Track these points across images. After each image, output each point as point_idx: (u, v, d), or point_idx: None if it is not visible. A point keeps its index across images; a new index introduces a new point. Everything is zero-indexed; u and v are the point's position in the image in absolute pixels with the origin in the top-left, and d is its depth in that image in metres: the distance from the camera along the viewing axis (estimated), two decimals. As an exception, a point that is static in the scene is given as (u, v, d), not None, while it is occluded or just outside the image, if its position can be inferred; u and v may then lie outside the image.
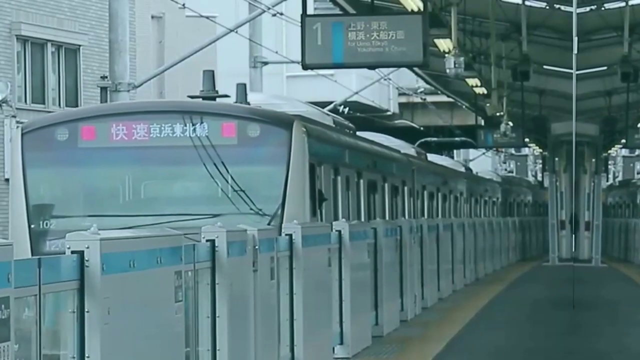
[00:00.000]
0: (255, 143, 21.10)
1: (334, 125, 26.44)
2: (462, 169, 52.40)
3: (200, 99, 22.95)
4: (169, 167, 21.40)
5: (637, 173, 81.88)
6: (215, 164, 20.98)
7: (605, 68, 41.32)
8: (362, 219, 25.75)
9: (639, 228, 53.87)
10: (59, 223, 20.57)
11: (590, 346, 20.54)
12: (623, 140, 56.32)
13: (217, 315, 12.95)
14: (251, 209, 20.80)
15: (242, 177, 21.00)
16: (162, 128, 21.13)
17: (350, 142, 26.60)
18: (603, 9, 34.55)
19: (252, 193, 20.91)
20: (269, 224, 19.18)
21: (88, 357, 9.65)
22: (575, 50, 13.28)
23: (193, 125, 21.11)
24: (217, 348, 12.89)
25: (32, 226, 20.79)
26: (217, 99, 22.93)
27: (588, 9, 33.46)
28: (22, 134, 21.37)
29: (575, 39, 13.35)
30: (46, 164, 21.33)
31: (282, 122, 21.64)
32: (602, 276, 43.40)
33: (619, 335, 23.56)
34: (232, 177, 20.96)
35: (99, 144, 21.16)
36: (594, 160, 56.89)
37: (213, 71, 24.10)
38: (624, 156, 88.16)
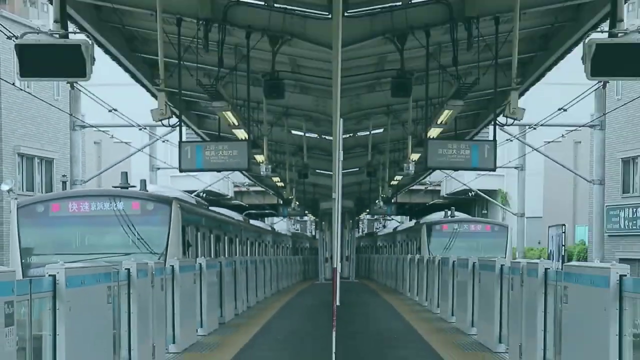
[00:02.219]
0: (151, 213, 21.59)
1: (195, 203, 26.69)
2: (269, 228, 52.34)
3: (120, 188, 23.17)
4: (102, 227, 21.45)
5: (375, 228, 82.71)
6: (128, 225, 21.29)
7: (357, 169, 41.50)
8: (212, 257, 25.86)
9: (375, 259, 54.56)
10: (37, 259, 20.67)
11: (347, 328, 20.51)
12: (367, 210, 56.76)
13: (131, 312, 12.87)
14: (149, 251, 21.02)
15: (143, 233, 21.33)
16: (97, 205, 21.50)
17: (205, 212, 26.90)
18: (358, 135, 34.87)
19: (149, 242, 21.29)
20: (158, 259, 19.29)
21: (58, 334, 9.60)
22: (341, 158, 13.42)
23: (115, 203, 21.51)
24: (131, 330, 12.82)
25: (22, 261, 20.96)
26: (129, 188, 23.29)
27: (348, 135, 33.71)
28: (17, 208, 21.57)
29: (341, 152, 13.48)
30: (31, 225, 21.35)
31: (166, 201, 22.06)
32: (356, 287, 43.55)
33: (367, 322, 23.59)
34: (138, 233, 21.26)
35: (61, 214, 21.40)
36: (351, 221, 57.33)
37: (127, 172, 24.74)
38: (367, 219, 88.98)
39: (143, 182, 24.24)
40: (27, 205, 21.75)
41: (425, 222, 40.08)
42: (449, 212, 41.12)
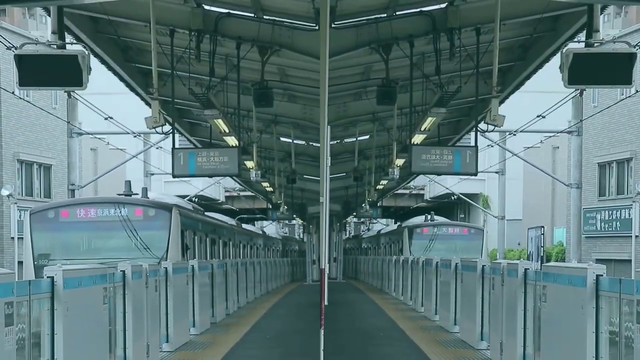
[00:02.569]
0: (152, 219, 22.34)
1: (192, 209, 27.11)
2: (260, 232, 52.23)
3: (124, 196, 24.21)
4: (107, 232, 22.15)
5: (362, 231, 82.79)
6: (131, 230, 22.08)
7: (344, 174, 41.45)
8: (208, 259, 26.19)
9: (361, 261, 54.86)
10: (49, 262, 20.81)
11: (335, 326, 20.54)
12: (354, 213, 56.80)
13: (126, 312, 12.83)
14: (151, 254, 21.72)
15: (145, 237, 22.12)
16: (103, 211, 22.33)
17: (201, 218, 27.44)
18: (344, 141, 34.75)
19: (151, 245, 22.04)
20: (158, 262, 19.39)
21: (56, 334, 9.58)
22: (329, 163, 13.41)
23: (120, 209, 22.34)
24: (126, 330, 12.78)
25: (35, 263, 21.70)
26: (132, 196, 24.40)
27: (335, 141, 33.58)
28: (30, 214, 22.41)
29: (328, 158, 13.52)
30: (43, 230, 22.13)
31: (166, 207, 22.80)
32: (343, 287, 43.72)
33: (352, 320, 23.62)
34: (140, 237, 22.05)
35: (70, 219, 22.21)
36: (338, 224, 57.41)
37: (130, 181, 25.69)
38: (354, 222, 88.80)
39: (144, 190, 25.18)
40: (39, 212, 22.53)
41: (407, 226, 41.37)
42: (429, 216, 42.68)
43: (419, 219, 44.65)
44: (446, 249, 36.45)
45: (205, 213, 30.67)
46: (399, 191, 61.34)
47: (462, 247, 37.54)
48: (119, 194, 24.63)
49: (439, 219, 43.86)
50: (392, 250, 43.05)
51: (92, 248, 22.13)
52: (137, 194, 24.92)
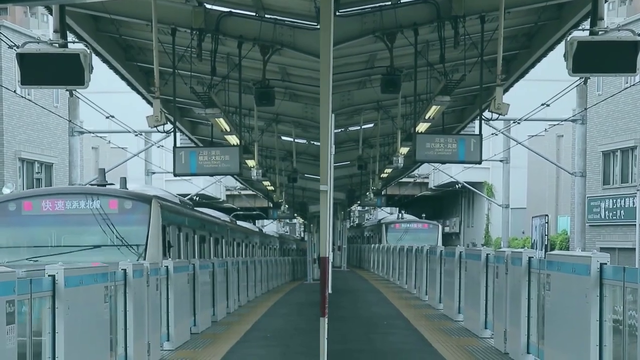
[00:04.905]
0: (129, 212, 19.56)
1: (179, 202, 25.37)
2: (256, 230, 52.01)
3: (96, 186, 21.49)
4: (77, 227, 19.45)
5: (366, 219, 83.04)
6: (106, 225, 19.34)
7: (348, 162, 41.33)
8: (195, 258, 24.59)
9: (366, 249, 56.43)
10: (8, 259, 18.51)
11: (338, 313, 20.54)
12: (359, 202, 56.86)
13: (127, 310, 12.78)
14: (128, 251, 19.11)
15: (122, 233, 19.34)
16: (73, 203, 19.47)
17: (188, 212, 25.37)
18: (348, 130, 34.60)
19: (128, 242, 19.33)
20: (137, 260, 16.84)
21: (57, 332, 9.54)
22: (333, 151, 13.34)
23: (92, 201, 19.46)
24: (127, 328, 12.72)
25: None
26: (107, 186, 21.60)
27: (339, 130, 33.39)
28: None
29: (333, 147, 13.45)
30: (3, 225, 19.48)
31: (145, 199, 20.17)
32: (347, 275, 44.11)
33: (355, 308, 23.73)
34: (116, 232, 19.33)
35: (34, 212, 19.41)
36: (342, 212, 57.48)
37: (104, 169, 23.39)
38: (359, 210, 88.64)
39: (123, 180, 22.30)
40: None
41: (384, 222, 57.67)
42: (401, 215, 59.16)
43: (393, 217, 61.48)
44: (412, 239, 47.36)
45: (195, 208, 29.17)
46: (403, 180, 61.66)
47: (423, 238, 49.95)
48: (92, 184, 22.02)
49: (407, 216, 60.10)
50: (374, 240, 57.31)
51: (59, 245, 19.27)
52: (112, 183, 22.07)
